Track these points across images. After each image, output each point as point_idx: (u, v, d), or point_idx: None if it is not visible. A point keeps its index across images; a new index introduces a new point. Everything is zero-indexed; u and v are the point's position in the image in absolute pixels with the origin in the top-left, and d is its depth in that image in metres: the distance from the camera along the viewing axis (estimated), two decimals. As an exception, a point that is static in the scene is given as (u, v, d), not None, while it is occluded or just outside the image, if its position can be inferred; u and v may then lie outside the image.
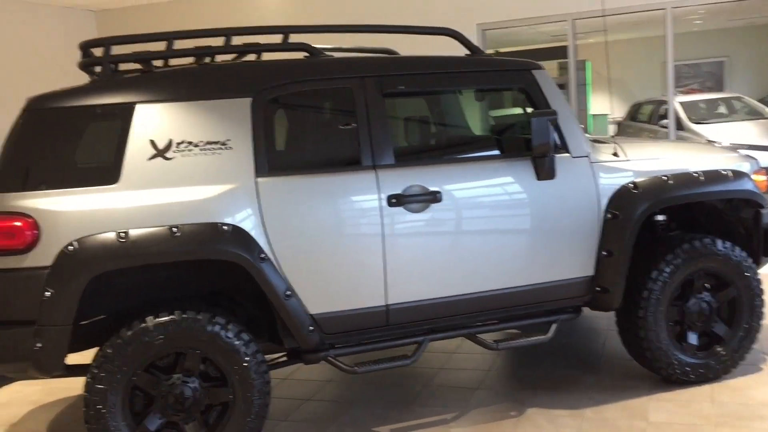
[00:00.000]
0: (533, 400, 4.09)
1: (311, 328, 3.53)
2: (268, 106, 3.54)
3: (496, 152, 4.01)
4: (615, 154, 4.02)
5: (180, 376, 3.41)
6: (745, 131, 11.50)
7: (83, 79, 3.71)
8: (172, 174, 3.36)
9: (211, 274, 3.63)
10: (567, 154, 3.89)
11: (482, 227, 3.78)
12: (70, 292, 3.17)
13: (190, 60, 3.90)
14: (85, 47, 3.61)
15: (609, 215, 3.90)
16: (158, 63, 3.91)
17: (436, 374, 4.63)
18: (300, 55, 3.84)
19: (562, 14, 8.02)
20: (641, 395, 4.04)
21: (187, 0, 9.72)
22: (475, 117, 5.22)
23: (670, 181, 3.95)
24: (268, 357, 3.76)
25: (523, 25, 8.23)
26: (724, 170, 4.09)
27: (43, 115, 3.35)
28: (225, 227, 3.35)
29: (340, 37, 4.39)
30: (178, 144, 3.39)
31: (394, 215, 3.60)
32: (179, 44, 3.69)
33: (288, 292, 3.46)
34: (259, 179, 3.45)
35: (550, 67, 15.03)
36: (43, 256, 3.18)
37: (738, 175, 4.11)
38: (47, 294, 3.16)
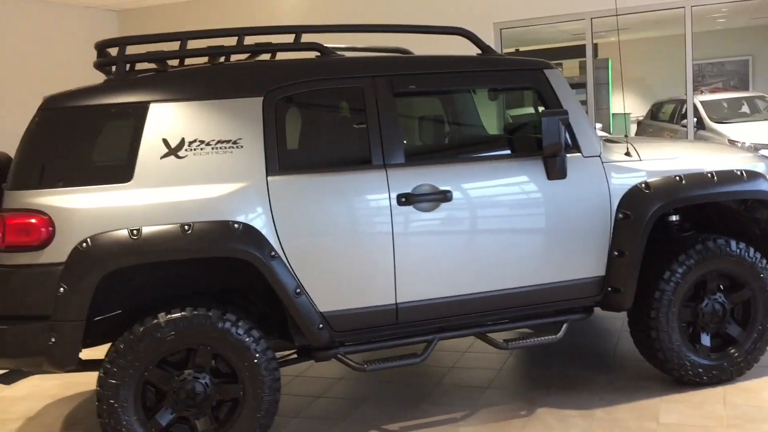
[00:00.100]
0: (544, 400, 4.09)
1: (321, 325, 3.56)
2: (279, 106, 3.57)
3: (507, 152, 4.01)
4: (627, 154, 4.00)
5: (191, 371, 3.45)
6: (768, 131, 11.38)
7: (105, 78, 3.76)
8: (184, 172, 3.41)
9: (224, 271, 3.67)
10: (578, 154, 3.88)
11: (492, 227, 3.79)
12: (83, 289, 3.22)
13: (205, 60, 3.95)
14: (101, 47, 3.67)
15: (621, 215, 3.88)
16: (174, 63, 3.98)
17: (448, 373, 4.64)
18: (312, 54, 3.87)
19: (580, 13, 7.98)
20: (653, 396, 4.02)
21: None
22: (486, 116, 5.21)
23: (683, 182, 3.93)
24: (279, 354, 3.81)
25: (540, 24, 8.20)
26: (738, 170, 4.06)
27: (58, 114, 3.41)
28: (236, 225, 3.38)
29: (354, 37, 4.42)
30: (191, 143, 3.43)
31: (404, 214, 3.62)
32: (194, 44, 3.75)
33: (298, 290, 3.49)
34: (270, 178, 3.48)
35: (572, 65, 14.95)
36: (57, 252, 3.24)
37: (752, 175, 4.08)
38: (61, 290, 3.21)
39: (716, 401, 3.91)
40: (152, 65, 3.88)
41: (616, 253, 3.89)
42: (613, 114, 18.22)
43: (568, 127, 3.84)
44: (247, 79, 3.61)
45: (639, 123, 15.45)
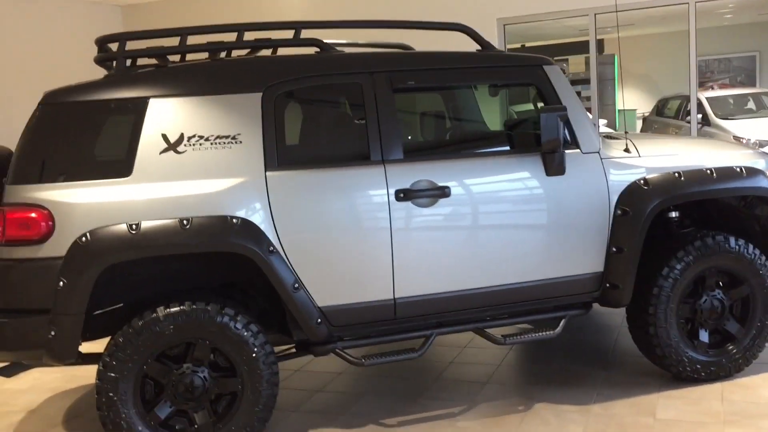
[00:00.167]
0: (542, 395, 4.10)
1: (319, 320, 3.58)
2: (278, 101, 3.58)
3: (506, 148, 4.01)
4: (626, 150, 4.01)
5: (190, 365, 3.48)
6: (774, 127, 11.33)
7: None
8: (183, 167, 3.43)
9: (223, 266, 3.70)
10: (577, 150, 3.88)
11: (491, 223, 3.80)
12: (82, 282, 3.25)
13: (208, 55, 3.96)
14: (101, 42, 3.69)
15: (619, 211, 3.89)
16: (176, 58, 3.99)
17: (447, 368, 4.66)
18: (312, 50, 3.88)
19: (583, 9, 7.96)
20: (651, 392, 4.03)
21: (212, -6, 9.83)
22: (490, 112, 5.22)
23: (682, 178, 3.93)
24: (278, 349, 3.83)
25: (543, 19, 8.19)
26: (738, 167, 4.06)
27: (58, 109, 3.43)
28: (234, 220, 3.40)
29: (356, 33, 4.43)
30: (190, 138, 3.45)
31: (402, 210, 3.63)
32: (196, 39, 3.76)
33: (296, 285, 3.51)
34: (269, 173, 3.50)
35: (578, 61, 14.94)
36: (57, 246, 3.27)
37: (752, 172, 4.07)
38: (61, 284, 3.24)
39: (714, 397, 3.92)
40: (155, 61, 3.91)
41: (614, 249, 3.89)
42: (619, 110, 18.20)
43: (567, 124, 3.85)
44: (246, 74, 3.63)
45: (644, 119, 15.41)
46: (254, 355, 3.48)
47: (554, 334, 3.96)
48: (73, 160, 3.38)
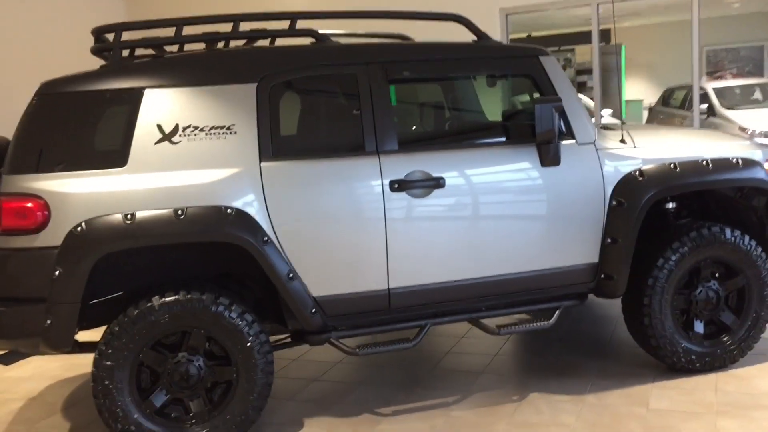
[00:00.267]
0: (537, 385, 4.12)
1: (313, 310, 3.60)
2: (273, 92, 3.59)
3: (502, 139, 4.00)
4: (622, 141, 4.00)
5: (185, 354, 3.51)
6: (780, 118, 11.28)
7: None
8: (178, 158, 3.44)
9: (219, 256, 3.72)
10: (573, 141, 3.88)
11: (485, 213, 3.80)
12: (78, 272, 3.28)
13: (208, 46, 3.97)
14: (98, 33, 3.71)
15: (614, 203, 3.89)
16: (174, 48, 4.01)
17: (444, 358, 4.68)
18: (308, 41, 3.89)
19: (586, -2, 7.92)
20: (645, 382, 4.04)
21: (215, -15, 9.80)
22: (491, 103, 5.21)
23: (677, 169, 3.92)
24: (273, 338, 3.86)
25: (546, 9, 8.15)
26: (734, 158, 4.05)
27: (54, 99, 3.45)
28: (229, 210, 3.42)
29: (355, 24, 4.42)
30: (185, 128, 3.47)
31: (397, 200, 3.64)
32: (195, 29, 3.76)
33: (290, 275, 3.53)
34: (263, 164, 3.52)
35: (584, 51, 14.89)
36: (53, 236, 3.29)
37: (748, 163, 4.06)
38: (57, 273, 3.27)
39: (708, 388, 3.93)
40: (153, 51, 3.93)
41: (609, 240, 3.90)
42: (626, 101, 18.12)
43: (563, 114, 3.85)
44: (241, 65, 3.64)
45: (650, 109, 15.33)
46: (249, 344, 3.51)
47: (548, 324, 3.97)
48: (69, 150, 3.40)
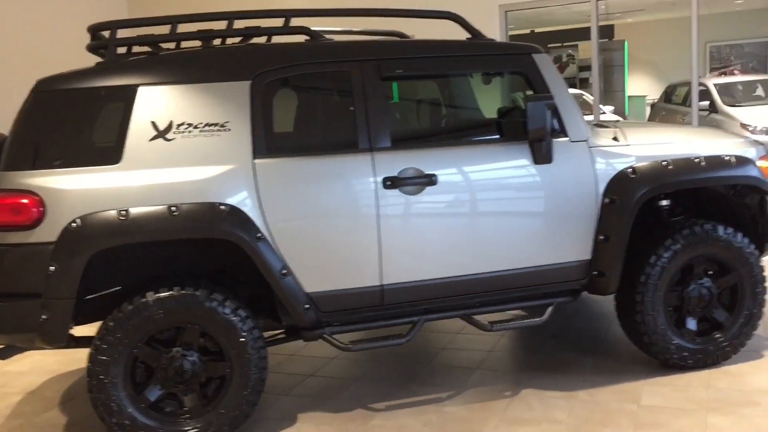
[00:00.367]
0: (530, 382, 4.14)
1: (307, 306, 3.63)
2: (267, 89, 3.62)
3: (495, 136, 4.01)
4: (615, 139, 4.02)
5: (179, 349, 3.54)
6: (782, 114, 11.26)
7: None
8: (172, 155, 3.47)
9: (214, 252, 3.75)
10: (566, 139, 3.90)
11: (478, 210, 3.82)
12: (73, 267, 3.31)
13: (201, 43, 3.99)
14: (94, 30, 3.74)
15: (607, 200, 3.90)
16: (171, 46, 4.04)
17: (439, 354, 4.71)
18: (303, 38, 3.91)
19: (586, -6, 7.92)
20: (638, 379, 4.07)
21: (216, -18, 9.82)
22: (490, 100, 5.22)
23: (670, 167, 3.94)
24: (268, 334, 3.89)
25: (544, 6, 8.16)
26: (727, 156, 4.06)
27: (50, 96, 3.48)
28: (222, 207, 3.45)
29: (353, 21, 4.45)
30: (179, 125, 3.50)
31: (390, 197, 3.66)
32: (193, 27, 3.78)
33: (284, 271, 3.56)
34: (257, 161, 3.54)
35: (588, 47, 14.90)
36: (48, 232, 3.33)
37: (741, 160, 4.07)
38: (52, 268, 3.30)
39: (699, 385, 3.95)
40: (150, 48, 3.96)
41: (601, 237, 3.91)
42: (629, 96, 18.11)
43: (555, 112, 3.86)
44: (236, 63, 3.66)
45: (652, 106, 15.32)
46: (243, 339, 3.54)
47: (541, 321, 3.99)
48: (64, 147, 3.43)
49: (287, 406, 4.06)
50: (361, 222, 3.65)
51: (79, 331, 3.77)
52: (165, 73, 3.56)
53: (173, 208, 3.39)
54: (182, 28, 3.75)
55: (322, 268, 3.64)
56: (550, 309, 4.01)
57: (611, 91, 17.56)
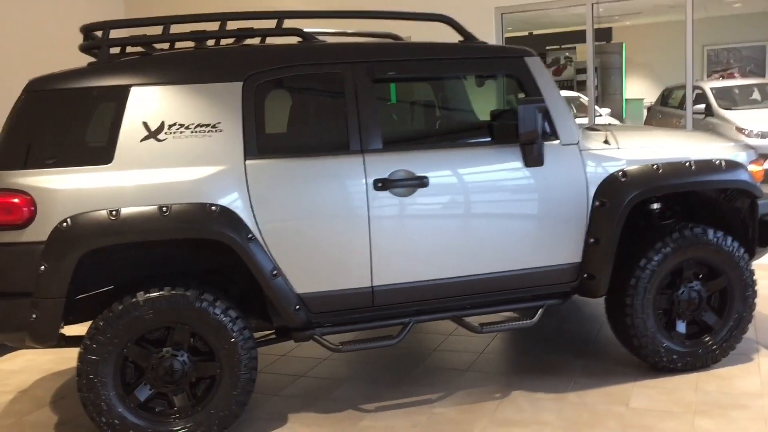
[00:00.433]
0: (520, 383, 4.16)
1: (297, 307, 3.64)
2: (259, 91, 3.63)
3: (486, 139, 4.03)
4: (606, 142, 4.03)
5: (170, 349, 3.55)
6: (778, 118, 11.29)
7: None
8: (164, 155, 3.48)
9: (205, 253, 3.76)
10: (556, 142, 3.91)
11: (469, 213, 3.84)
12: (63, 267, 3.32)
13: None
14: (87, 31, 3.75)
15: (597, 203, 3.92)
16: (165, 46, 4.05)
17: (430, 355, 4.72)
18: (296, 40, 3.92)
19: (581, -2, 7.94)
20: (627, 381, 4.08)
21: (214, -18, 9.82)
22: (480, 103, 5.24)
23: (660, 170, 3.95)
24: (259, 334, 3.90)
25: (541, 9, 8.17)
26: (717, 160, 4.07)
27: (42, 96, 3.49)
28: (213, 208, 3.46)
29: (348, 23, 4.45)
30: (170, 126, 3.51)
31: (381, 199, 3.68)
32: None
33: (274, 272, 3.57)
34: (248, 161, 3.55)
35: (585, 49, 14.91)
36: (39, 231, 3.34)
37: (731, 165, 4.09)
38: (42, 268, 3.31)
39: (688, 387, 3.96)
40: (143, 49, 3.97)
41: (592, 240, 3.93)
42: (626, 99, 18.13)
43: (547, 115, 3.88)
44: (227, 64, 3.67)
45: (649, 109, 15.35)
46: (233, 339, 3.55)
47: (531, 323, 4.01)
48: (55, 146, 3.44)
49: (278, 406, 4.07)
50: (351, 223, 3.66)
51: (71, 330, 3.78)
52: (157, 73, 3.57)
53: (164, 209, 3.40)
54: (177, 29, 3.77)
55: (312, 269, 3.65)
56: (540, 311, 4.02)
57: (609, 94, 17.60)
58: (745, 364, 4.24)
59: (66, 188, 3.37)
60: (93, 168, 3.42)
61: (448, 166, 3.80)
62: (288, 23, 3.92)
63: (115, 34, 3.66)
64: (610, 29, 18.58)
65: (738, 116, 11.48)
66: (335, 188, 3.65)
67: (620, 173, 3.93)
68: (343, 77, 3.71)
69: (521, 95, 3.99)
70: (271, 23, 3.97)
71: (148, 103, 3.51)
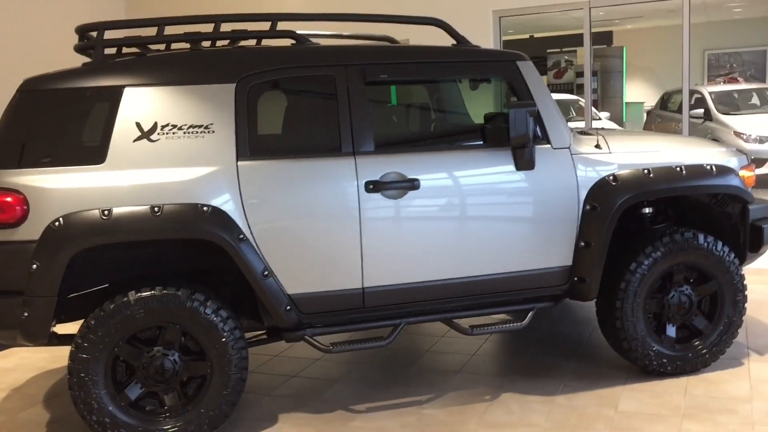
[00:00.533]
0: (510, 385, 4.18)
1: (288, 307, 3.66)
2: (251, 92, 3.65)
3: (478, 142, 4.05)
4: (597, 146, 4.05)
5: (161, 348, 3.57)
6: (776, 123, 11.30)
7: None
8: (156, 156, 3.51)
9: (197, 253, 3.78)
10: (548, 145, 3.93)
11: (460, 215, 3.86)
12: (55, 266, 3.34)
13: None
14: (82, 31, 3.77)
15: (588, 207, 3.94)
16: (161, 47, 4.07)
17: (422, 356, 4.74)
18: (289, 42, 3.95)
19: (578, 2, 7.95)
20: (617, 384, 4.10)
21: (214, -17, 9.85)
22: (475, 106, 5.26)
23: (651, 175, 3.97)
24: (250, 335, 3.92)
25: (539, 12, 8.20)
26: (708, 165, 4.09)
27: (36, 96, 3.52)
28: (205, 208, 3.48)
29: (344, 26, 4.48)
30: (163, 127, 3.53)
31: (372, 201, 3.70)
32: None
33: (265, 272, 3.59)
34: (240, 163, 3.57)
35: (583, 53, 14.96)
36: (31, 230, 3.36)
37: (722, 170, 4.11)
38: (34, 266, 3.34)
39: (677, 391, 3.98)
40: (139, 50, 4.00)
41: (582, 243, 3.95)
42: (627, 103, 18.15)
43: (538, 119, 3.90)
44: (220, 65, 3.69)
45: (648, 113, 15.37)
46: (223, 339, 3.57)
47: (521, 325, 4.03)
48: (49, 146, 3.46)
49: (269, 406, 4.09)
50: (342, 225, 3.68)
51: (64, 328, 3.81)
52: (151, 74, 3.59)
53: (156, 209, 3.43)
54: (172, 30, 3.79)
55: (303, 270, 3.67)
56: (530, 314, 4.04)
57: (609, 98, 17.62)
58: (734, 368, 4.25)
59: (59, 188, 3.39)
60: (86, 168, 3.44)
61: (439, 169, 3.82)
62: (282, 26, 3.96)
63: (112, 34, 3.69)
64: (611, 33, 18.60)
65: (737, 121, 11.49)
66: (327, 190, 3.68)
67: (611, 177, 3.95)
68: (336, 80, 3.73)
69: (513, 99, 4.01)
70: (266, 26, 4.00)
71: (142, 104, 3.53)
